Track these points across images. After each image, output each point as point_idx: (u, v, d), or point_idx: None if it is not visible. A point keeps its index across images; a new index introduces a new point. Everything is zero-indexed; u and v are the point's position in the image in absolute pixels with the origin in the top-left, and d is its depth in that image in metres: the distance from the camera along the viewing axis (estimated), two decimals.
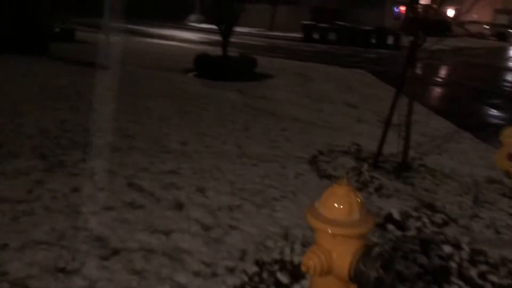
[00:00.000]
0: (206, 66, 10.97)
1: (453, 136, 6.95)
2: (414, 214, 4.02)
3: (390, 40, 23.70)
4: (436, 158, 5.70)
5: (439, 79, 14.86)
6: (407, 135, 5.10)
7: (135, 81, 9.21)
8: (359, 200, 1.60)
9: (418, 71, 16.90)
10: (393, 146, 5.18)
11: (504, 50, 29.20)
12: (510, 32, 36.98)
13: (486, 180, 4.92)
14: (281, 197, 3.90)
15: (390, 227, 3.67)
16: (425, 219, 3.95)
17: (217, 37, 12.11)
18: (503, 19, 41.77)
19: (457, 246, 3.47)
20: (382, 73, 13.26)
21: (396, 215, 3.84)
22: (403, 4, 33.28)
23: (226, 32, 11.13)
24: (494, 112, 9.55)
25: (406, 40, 25.25)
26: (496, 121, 8.81)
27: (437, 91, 12.59)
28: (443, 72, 17.47)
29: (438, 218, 4.05)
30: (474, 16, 40.05)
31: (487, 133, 7.32)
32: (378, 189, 4.57)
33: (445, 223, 3.97)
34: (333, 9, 31.21)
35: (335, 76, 12.49)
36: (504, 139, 4.70)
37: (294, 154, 5.24)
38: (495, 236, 3.80)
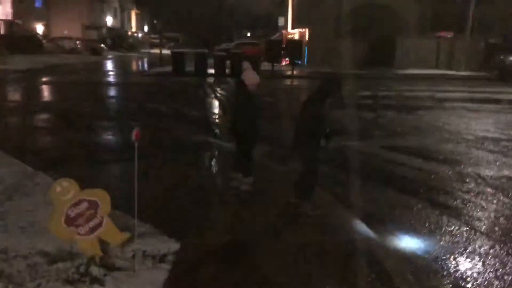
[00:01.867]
0: None
1: (25, 184, 5.25)
2: None
3: None
4: None
5: (34, 107, 12.37)
6: None
7: None
8: None
9: None
10: None
11: (100, 64, 29.88)
12: (102, 47, 38.57)
13: (47, 260, 3.45)
14: None
15: None
16: None
17: None
18: (93, 35, 43.32)
19: None
20: None
21: None
22: None
23: None
24: (99, 138, 8.36)
25: None
26: (89, 148, 7.61)
27: (24, 123, 10.26)
28: (37, 95, 15.27)
29: None
30: (66, 32, 39.68)
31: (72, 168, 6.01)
32: None
33: None
34: None
35: None
36: (55, 197, 3.32)
37: None
38: None
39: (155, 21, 55.89)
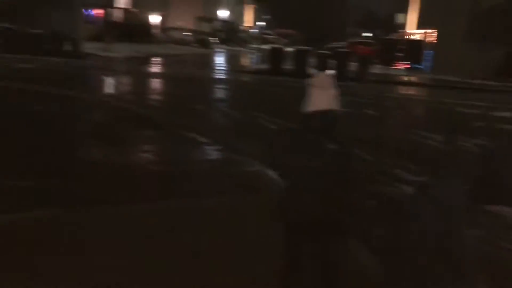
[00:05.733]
0: None
1: None
2: None
3: (67, 46, 19.89)
4: None
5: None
6: None
7: None
8: None
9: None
10: None
11: (200, 56, 28.92)
12: (212, 39, 37.99)
13: None
14: None
15: None
16: None
17: None
18: (206, 27, 43.03)
19: None
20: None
21: None
22: (98, 6, 29.82)
23: None
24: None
25: (89, 46, 21.84)
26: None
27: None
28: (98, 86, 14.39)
29: None
30: (179, 23, 39.83)
31: None
32: None
33: None
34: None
35: None
36: None
37: None
38: None
39: (268, 17, 54.53)
